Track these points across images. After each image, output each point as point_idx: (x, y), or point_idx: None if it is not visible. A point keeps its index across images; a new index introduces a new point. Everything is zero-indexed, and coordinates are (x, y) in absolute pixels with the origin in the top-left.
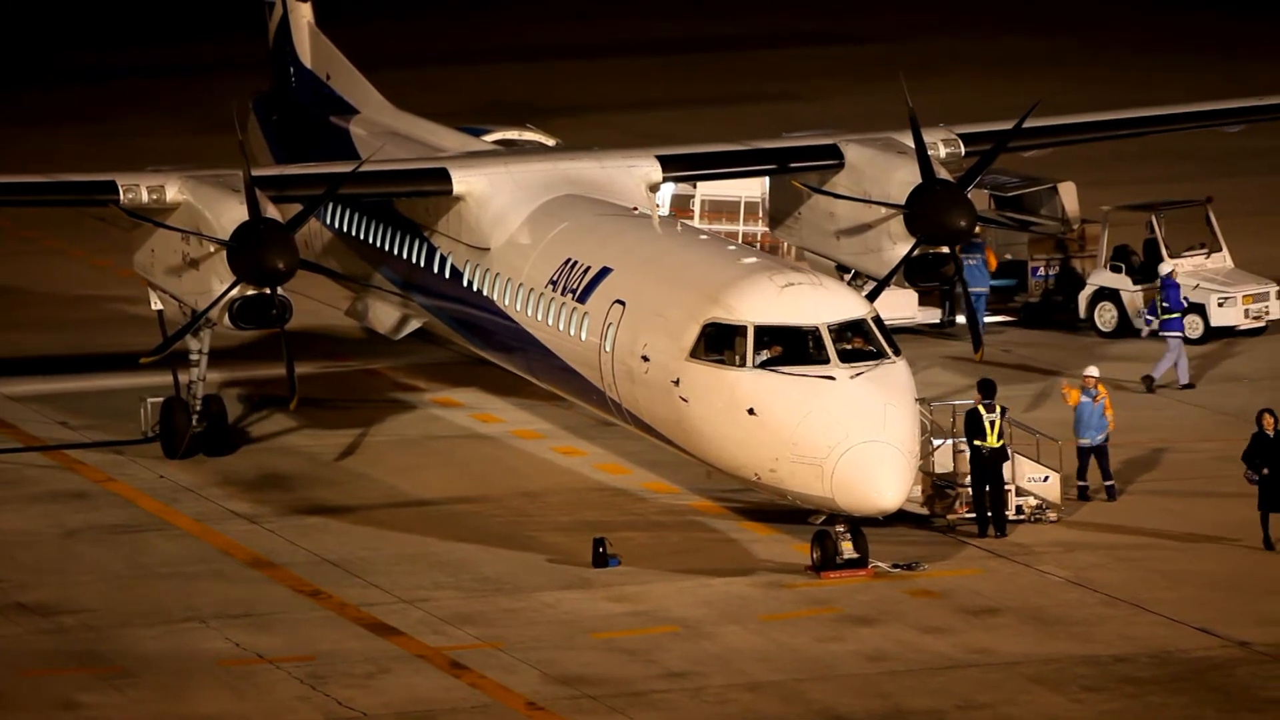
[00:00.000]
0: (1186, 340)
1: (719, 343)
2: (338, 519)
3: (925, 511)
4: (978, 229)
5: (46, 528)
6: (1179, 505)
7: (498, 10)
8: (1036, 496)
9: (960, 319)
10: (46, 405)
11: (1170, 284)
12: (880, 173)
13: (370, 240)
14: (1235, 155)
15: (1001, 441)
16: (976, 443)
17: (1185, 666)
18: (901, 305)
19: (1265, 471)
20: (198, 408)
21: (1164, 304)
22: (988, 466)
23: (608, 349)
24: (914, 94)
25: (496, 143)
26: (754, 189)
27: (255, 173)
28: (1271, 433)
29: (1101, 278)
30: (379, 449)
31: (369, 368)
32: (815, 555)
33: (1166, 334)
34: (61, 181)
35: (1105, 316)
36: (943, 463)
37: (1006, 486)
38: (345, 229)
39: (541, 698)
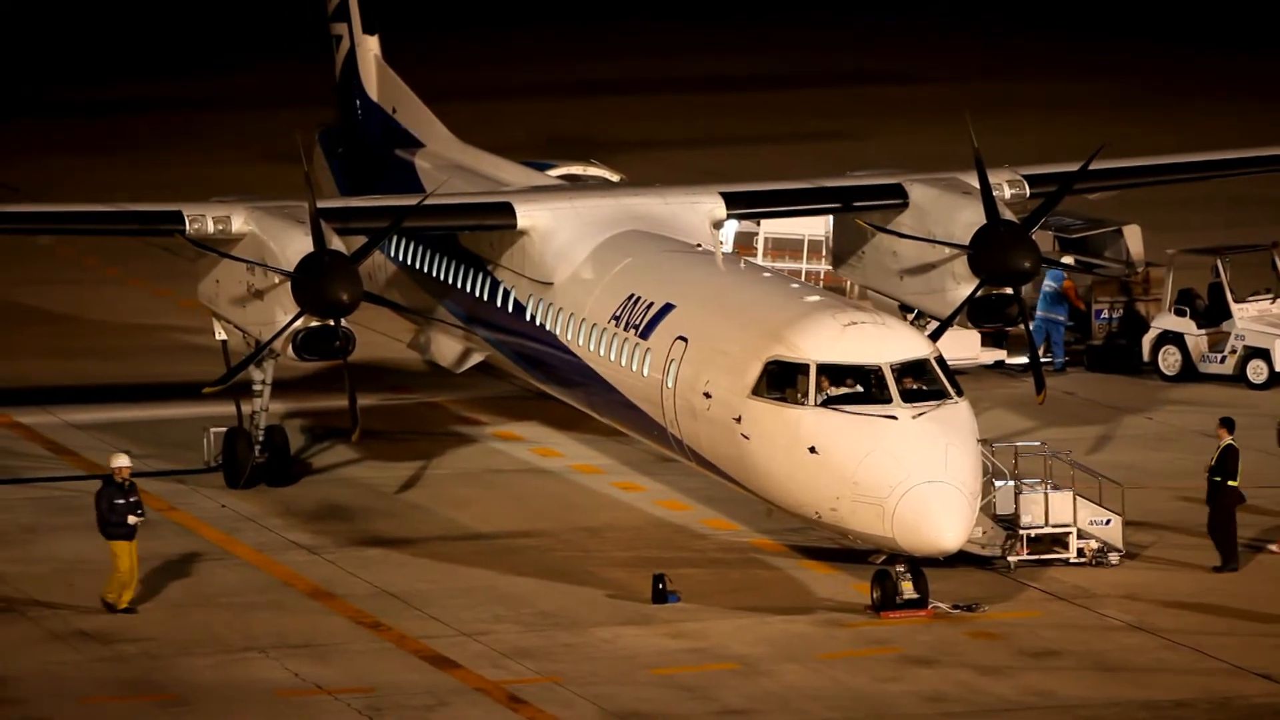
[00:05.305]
0: (1251, 386)
1: (781, 380)
2: (398, 551)
3: (987, 553)
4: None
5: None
6: (1241, 548)
7: (562, 45)
8: (1098, 539)
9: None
10: (109, 433)
11: None
12: (945, 213)
13: (434, 273)
14: None
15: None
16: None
17: (1246, 712)
18: (964, 346)
19: None
20: (260, 438)
21: None
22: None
23: (670, 385)
24: (979, 135)
25: (561, 178)
26: (818, 227)
27: (320, 204)
28: None
29: (1166, 321)
30: (440, 482)
31: (431, 401)
32: (875, 595)
33: None
34: (128, 211)
35: (1169, 360)
36: (1004, 504)
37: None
38: (409, 262)
39: None
